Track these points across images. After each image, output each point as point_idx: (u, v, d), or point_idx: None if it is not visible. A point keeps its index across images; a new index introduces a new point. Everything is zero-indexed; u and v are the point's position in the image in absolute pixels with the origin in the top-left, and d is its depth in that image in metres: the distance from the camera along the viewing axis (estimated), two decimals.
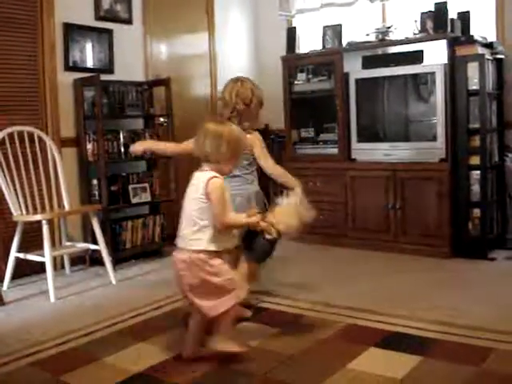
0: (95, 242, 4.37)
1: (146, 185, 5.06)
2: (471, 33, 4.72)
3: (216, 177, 2.63)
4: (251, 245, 3.14)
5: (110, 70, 5.08)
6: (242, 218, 2.75)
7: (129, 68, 5.23)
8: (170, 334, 3.17)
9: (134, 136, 4.96)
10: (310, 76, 5.49)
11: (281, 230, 2.78)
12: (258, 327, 3.24)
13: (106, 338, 3.16)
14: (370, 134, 5.10)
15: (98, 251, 4.38)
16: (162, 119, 5.32)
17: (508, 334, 2.92)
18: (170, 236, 5.22)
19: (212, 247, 2.65)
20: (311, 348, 2.91)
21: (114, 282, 4.29)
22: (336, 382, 2.52)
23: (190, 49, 5.93)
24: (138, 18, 5.33)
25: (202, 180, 2.64)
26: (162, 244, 5.22)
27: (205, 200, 2.62)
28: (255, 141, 3.29)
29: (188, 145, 3.19)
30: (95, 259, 4.69)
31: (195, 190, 2.67)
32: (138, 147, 3.42)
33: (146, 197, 5.04)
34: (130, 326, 3.34)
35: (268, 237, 2.81)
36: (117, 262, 4.66)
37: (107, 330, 3.28)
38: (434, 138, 4.64)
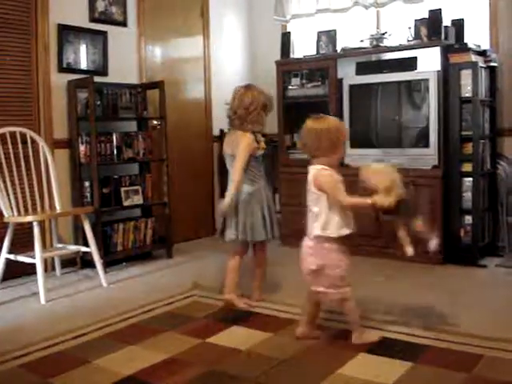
0: (86, 244, 4.35)
1: (138, 187, 5.05)
2: (465, 40, 4.74)
3: (323, 169, 2.86)
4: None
5: (104, 72, 5.07)
6: (364, 200, 2.83)
7: (123, 70, 5.22)
8: (161, 337, 3.17)
9: (127, 138, 4.96)
10: (304, 81, 5.50)
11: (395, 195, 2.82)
12: (249, 332, 3.24)
13: (96, 341, 3.15)
14: (362, 140, 5.10)
15: (89, 253, 4.36)
16: (155, 122, 5.32)
17: (498, 341, 2.93)
18: (161, 239, 5.23)
19: (327, 233, 2.86)
20: (302, 353, 2.91)
21: (104, 284, 4.28)
22: None
23: (185, 52, 5.93)
24: (132, 21, 5.33)
25: (311, 174, 2.90)
26: (154, 247, 5.22)
27: (317, 191, 2.86)
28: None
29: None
30: (86, 261, 4.68)
31: (309, 184, 2.92)
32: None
33: (138, 199, 5.03)
34: (120, 329, 3.33)
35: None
36: (108, 264, 4.65)
37: (97, 332, 3.27)
38: (427, 145, 4.66)
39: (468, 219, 4.61)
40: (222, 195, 4.20)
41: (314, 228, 2.90)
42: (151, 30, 5.52)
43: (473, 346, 2.90)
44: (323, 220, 2.86)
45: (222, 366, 2.77)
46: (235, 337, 3.16)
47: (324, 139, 2.85)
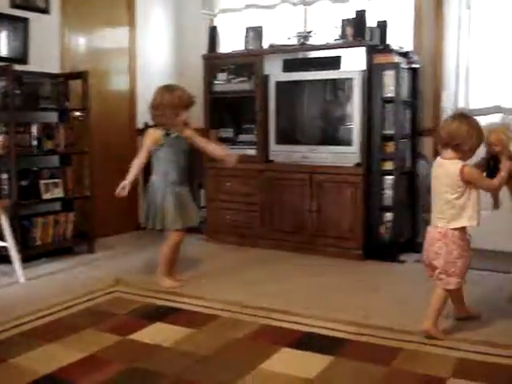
0: (3, 238, 4.20)
1: (59, 180, 4.91)
2: (389, 42, 4.85)
3: (464, 164, 2.96)
4: None
5: (24, 60, 4.88)
6: (501, 175, 3.07)
7: (44, 59, 5.04)
8: (81, 335, 3.09)
9: (48, 130, 4.80)
10: (231, 76, 5.48)
11: None
12: (171, 328, 3.21)
13: (12, 339, 3.04)
14: (288, 137, 5.15)
15: (5, 248, 4.21)
16: (78, 113, 5.18)
17: (416, 335, 3.02)
18: (82, 234, 5.10)
19: (470, 223, 2.99)
20: (224, 348, 2.91)
21: (22, 280, 4.14)
22: (248, 382, 2.53)
23: (110, 43, 5.80)
24: (55, 8, 5.16)
25: (451, 168, 2.98)
26: (75, 242, 5.09)
27: (462, 185, 2.95)
28: (193, 132, 4.06)
29: (145, 152, 3.99)
30: (3, 257, 4.49)
31: (446, 177, 3.00)
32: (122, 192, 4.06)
33: (58, 193, 4.89)
34: (37, 327, 3.23)
35: None
36: (26, 259, 4.49)
37: (13, 330, 3.16)
38: (350, 143, 4.74)
39: (388, 216, 4.73)
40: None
41: (456, 219, 2.99)
42: (75, 19, 5.37)
43: (392, 339, 2.97)
44: (470, 212, 2.97)
45: (144, 362, 2.73)
46: (158, 333, 3.12)
47: (470, 138, 2.95)
